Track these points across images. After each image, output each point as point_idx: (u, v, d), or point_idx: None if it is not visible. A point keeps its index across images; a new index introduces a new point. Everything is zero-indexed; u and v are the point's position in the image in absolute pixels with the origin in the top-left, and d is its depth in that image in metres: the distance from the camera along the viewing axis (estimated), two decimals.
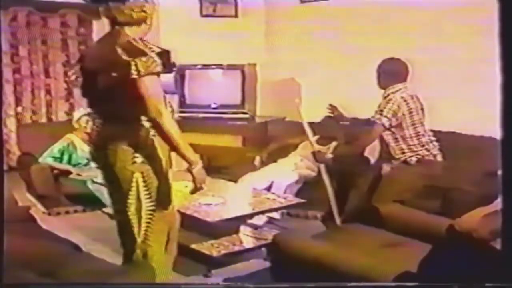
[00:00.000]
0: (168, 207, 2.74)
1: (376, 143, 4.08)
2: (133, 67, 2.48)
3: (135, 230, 2.69)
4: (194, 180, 2.70)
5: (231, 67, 5.60)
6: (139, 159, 2.62)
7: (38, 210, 4.62)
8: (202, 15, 5.96)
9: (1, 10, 5.76)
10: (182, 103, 5.70)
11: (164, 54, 2.60)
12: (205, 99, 5.68)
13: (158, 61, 2.54)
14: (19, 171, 5.08)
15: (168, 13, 5.71)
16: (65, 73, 6.62)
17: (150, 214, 2.68)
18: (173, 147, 2.63)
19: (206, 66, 5.69)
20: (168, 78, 2.72)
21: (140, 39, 2.63)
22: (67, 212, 4.81)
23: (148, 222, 2.68)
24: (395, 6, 4.64)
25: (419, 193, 3.77)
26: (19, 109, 6.50)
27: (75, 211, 4.80)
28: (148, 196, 2.66)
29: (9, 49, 6.29)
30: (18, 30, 6.36)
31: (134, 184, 2.63)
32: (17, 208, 3.47)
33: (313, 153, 4.04)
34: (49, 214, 4.76)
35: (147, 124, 2.61)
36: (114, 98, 2.60)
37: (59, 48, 6.57)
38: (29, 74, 6.50)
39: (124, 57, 2.51)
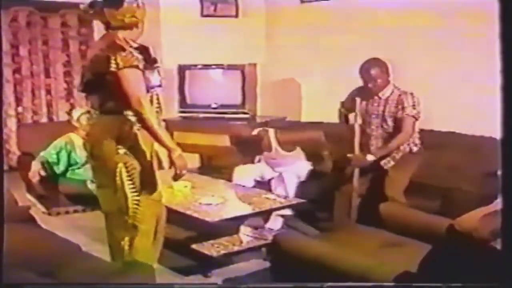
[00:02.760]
0: (153, 194, 2.90)
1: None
2: (113, 61, 2.68)
3: (125, 217, 2.86)
4: (174, 167, 2.83)
5: (231, 67, 5.60)
6: (122, 150, 2.81)
7: (38, 210, 4.63)
8: (203, 15, 5.96)
9: (1, 10, 5.76)
10: (182, 103, 5.72)
11: (144, 50, 2.84)
12: (205, 99, 5.69)
13: (139, 56, 2.76)
14: (19, 171, 5.08)
15: (168, 13, 5.73)
16: (65, 73, 6.64)
17: (136, 203, 2.86)
18: (153, 135, 2.79)
19: (206, 66, 5.69)
20: (153, 73, 2.86)
21: (124, 38, 2.81)
22: (67, 212, 4.81)
23: (135, 210, 2.86)
24: (396, 6, 4.63)
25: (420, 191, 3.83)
26: (20, 109, 6.51)
27: (75, 211, 4.80)
28: (132, 185, 2.84)
29: (10, 49, 6.30)
30: (19, 30, 6.37)
31: (118, 174, 2.81)
32: (17, 208, 3.46)
33: (351, 157, 4.00)
34: (49, 214, 4.76)
35: (132, 118, 2.78)
36: (101, 92, 2.81)
37: (60, 48, 6.60)
38: (30, 74, 6.52)
39: (106, 53, 2.71)
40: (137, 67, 2.73)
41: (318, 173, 4.49)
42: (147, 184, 2.88)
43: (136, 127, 2.80)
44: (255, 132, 4.63)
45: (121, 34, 2.80)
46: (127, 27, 2.81)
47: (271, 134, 4.57)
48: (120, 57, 2.68)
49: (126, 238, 2.88)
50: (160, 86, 2.91)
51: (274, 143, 4.55)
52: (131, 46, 2.77)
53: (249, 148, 4.73)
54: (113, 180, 2.81)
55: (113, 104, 2.79)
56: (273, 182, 4.49)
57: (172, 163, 2.83)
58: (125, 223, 2.87)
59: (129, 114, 2.77)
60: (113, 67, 2.68)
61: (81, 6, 2.87)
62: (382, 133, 4.04)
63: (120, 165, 2.80)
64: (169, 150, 2.81)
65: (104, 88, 2.77)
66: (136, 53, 2.75)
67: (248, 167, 4.64)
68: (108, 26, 2.83)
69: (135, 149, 2.83)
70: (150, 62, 2.83)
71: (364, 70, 3.98)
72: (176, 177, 2.89)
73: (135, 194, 2.84)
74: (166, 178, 3.02)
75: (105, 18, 2.80)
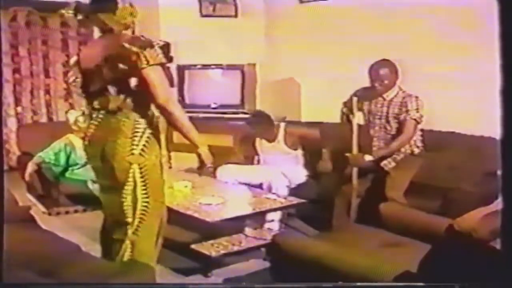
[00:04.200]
0: (162, 198, 2.87)
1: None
2: (143, 58, 2.63)
3: (129, 220, 2.79)
4: (201, 159, 2.87)
5: (231, 67, 5.60)
6: (136, 150, 2.74)
7: (38, 210, 4.62)
8: (202, 15, 5.96)
9: (1, 10, 5.76)
10: (182, 103, 5.71)
11: (166, 47, 2.77)
12: (205, 99, 5.68)
13: (162, 53, 2.70)
14: (19, 171, 5.08)
15: (168, 13, 5.72)
16: (65, 74, 6.63)
17: (145, 206, 2.79)
18: (181, 131, 2.80)
19: (206, 66, 5.70)
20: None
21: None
22: (67, 212, 4.80)
23: (143, 214, 2.79)
24: (395, 6, 4.63)
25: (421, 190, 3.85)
26: (19, 109, 6.50)
27: (75, 211, 4.80)
28: (144, 187, 2.77)
29: (9, 49, 6.29)
30: (18, 30, 6.36)
31: (131, 175, 2.74)
32: (17, 208, 3.46)
33: (349, 156, 4.01)
34: (49, 214, 4.75)
35: (155, 112, 2.78)
36: (122, 90, 2.73)
37: (59, 48, 6.58)
38: (29, 74, 6.50)
39: (134, 49, 2.64)
40: (163, 64, 2.70)
41: (318, 173, 4.49)
42: (158, 182, 2.85)
43: (157, 114, 2.79)
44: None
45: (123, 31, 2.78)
46: (127, 27, 2.80)
47: (282, 125, 4.65)
48: (149, 54, 2.63)
49: (128, 242, 2.80)
50: (173, 86, 2.89)
51: (280, 135, 4.61)
52: (157, 44, 2.72)
53: (255, 126, 4.74)
54: (124, 182, 2.74)
55: (136, 99, 2.73)
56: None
57: (199, 157, 2.86)
58: (127, 225, 2.79)
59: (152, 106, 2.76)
60: (144, 64, 2.62)
61: (65, 12, 2.83)
62: (385, 135, 4.05)
63: (134, 166, 2.74)
64: (196, 146, 2.84)
65: (126, 85, 2.70)
66: (159, 50, 2.69)
67: (231, 167, 4.65)
68: (107, 30, 2.79)
69: (156, 137, 2.81)
70: (169, 59, 2.77)
71: (374, 69, 4.00)
72: (201, 167, 2.93)
73: (146, 196, 2.78)
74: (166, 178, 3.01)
75: (105, 24, 2.77)
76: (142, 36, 2.75)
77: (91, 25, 2.92)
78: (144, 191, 2.77)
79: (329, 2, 5.29)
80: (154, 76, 2.65)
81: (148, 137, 2.78)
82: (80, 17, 2.83)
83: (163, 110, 2.71)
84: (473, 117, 4.13)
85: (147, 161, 2.77)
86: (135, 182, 2.75)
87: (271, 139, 4.66)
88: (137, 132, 2.76)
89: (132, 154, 2.73)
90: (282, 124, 4.65)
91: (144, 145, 2.76)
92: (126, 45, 2.65)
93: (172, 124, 2.76)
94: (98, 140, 2.82)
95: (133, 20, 2.82)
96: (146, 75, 2.64)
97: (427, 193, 3.82)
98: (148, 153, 2.77)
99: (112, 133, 2.76)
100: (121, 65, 2.66)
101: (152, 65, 2.64)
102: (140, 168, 2.75)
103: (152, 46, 2.66)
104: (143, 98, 2.71)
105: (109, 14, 2.74)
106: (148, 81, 2.65)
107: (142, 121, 2.77)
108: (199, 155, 2.86)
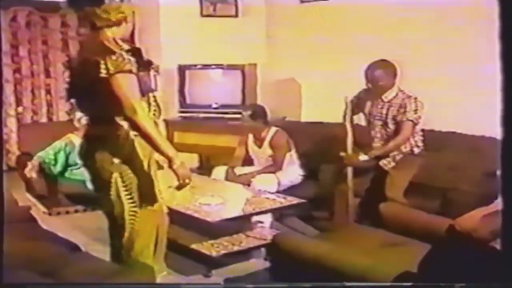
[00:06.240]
0: (154, 205, 2.74)
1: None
2: (103, 66, 2.50)
3: (120, 230, 2.73)
4: (177, 177, 2.70)
5: (231, 67, 5.60)
6: (117, 159, 2.64)
7: (38, 210, 4.63)
8: (202, 15, 5.97)
9: (1, 10, 5.76)
10: (182, 103, 5.73)
11: (136, 52, 2.64)
12: (205, 99, 5.69)
13: (131, 59, 2.57)
14: (18, 171, 5.08)
15: (168, 13, 5.73)
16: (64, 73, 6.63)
17: (133, 214, 2.71)
18: (151, 144, 2.62)
19: (206, 66, 5.70)
20: (148, 76, 2.69)
21: (114, 39, 2.64)
22: (67, 212, 4.80)
23: (132, 222, 2.71)
24: (395, 6, 4.63)
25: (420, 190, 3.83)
26: (20, 109, 6.51)
27: (75, 211, 4.80)
28: (128, 196, 2.69)
29: (9, 49, 6.30)
30: (18, 30, 6.37)
31: (113, 184, 2.66)
32: (17, 208, 3.46)
33: (345, 156, 4.00)
34: (49, 214, 4.75)
35: (126, 124, 2.61)
36: (91, 99, 2.62)
37: (60, 48, 6.58)
38: (30, 74, 6.52)
39: (95, 57, 2.52)
40: (129, 71, 2.53)
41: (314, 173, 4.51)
42: (146, 196, 2.71)
43: (133, 133, 2.62)
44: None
45: (109, 32, 2.63)
46: (114, 24, 2.63)
47: (272, 129, 4.62)
48: (110, 61, 2.48)
49: (123, 251, 2.75)
50: (154, 90, 2.70)
51: (267, 140, 4.62)
52: (122, 49, 2.58)
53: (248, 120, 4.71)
54: (108, 190, 2.67)
55: (105, 112, 2.60)
56: None
57: (174, 173, 2.68)
58: (121, 232, 2.73)
59: (120, 119, 2.59)
60: (103, 72, 2.49)
61: (61, 5, 2.76)
62: (385, 136, 4.05)
63: (115, 175, 2.64)
64: (169, 160, 2.65)
65: (94, 95, 2.57)
66: (127, 56, 2.55)
67: (225, 169, 4.65)
68: (93, 26, 2.64)
69: (131, 159, 2.65)
70: (143, 64, 2.64)
71: (369, 70, 3.99)
72: (180, 187, 2.74)
73: (132, 205, 2.69)
74: (166, 178, 3.00)
75: (89, 19, 2.63)
76: (112, 40, 2.62)
77: (84, 20, 2.74)
78: (130, 200, 2.69)
79: (330, 2, 5.29)
80: (117, 85, 2.50)
81: (130, 144, 2.63)
82: (73, 10, 2.78)
83: (129, 121, 2.56)
84: (473, 117, 4.13)
85: (129, 171, 2.67)
86: (118, 190, 2.66)
87: (260, 144, 4.66)
88: (117, 140, 2.63)
89: (113, 163, 2.64)
90: (273, 129, 4.64)
91: (126, 154, 2.64)
92: (92, 51, 2.55)
93: (141, 135, 2.59)
94: (85, 144, 2.79)
95: (125, 17, 2.66)
96: (109, 84, 2.50)
97: (427, 193, 3.82)
98: (130, 161, 2.65)
99: (93, 139, 2.70)
100: (86, 74, 2.56)
101: (114, 74, 2.49)
102: (122, 177, 2.66)
103: (113, 53, 2.52)
104: (114, 108, 2.56)
105: (93, 8, 2.60)
106: (112, 91, 2.51)
107: (123, 127, 2.62)
108: (174, 172, 2.67)
